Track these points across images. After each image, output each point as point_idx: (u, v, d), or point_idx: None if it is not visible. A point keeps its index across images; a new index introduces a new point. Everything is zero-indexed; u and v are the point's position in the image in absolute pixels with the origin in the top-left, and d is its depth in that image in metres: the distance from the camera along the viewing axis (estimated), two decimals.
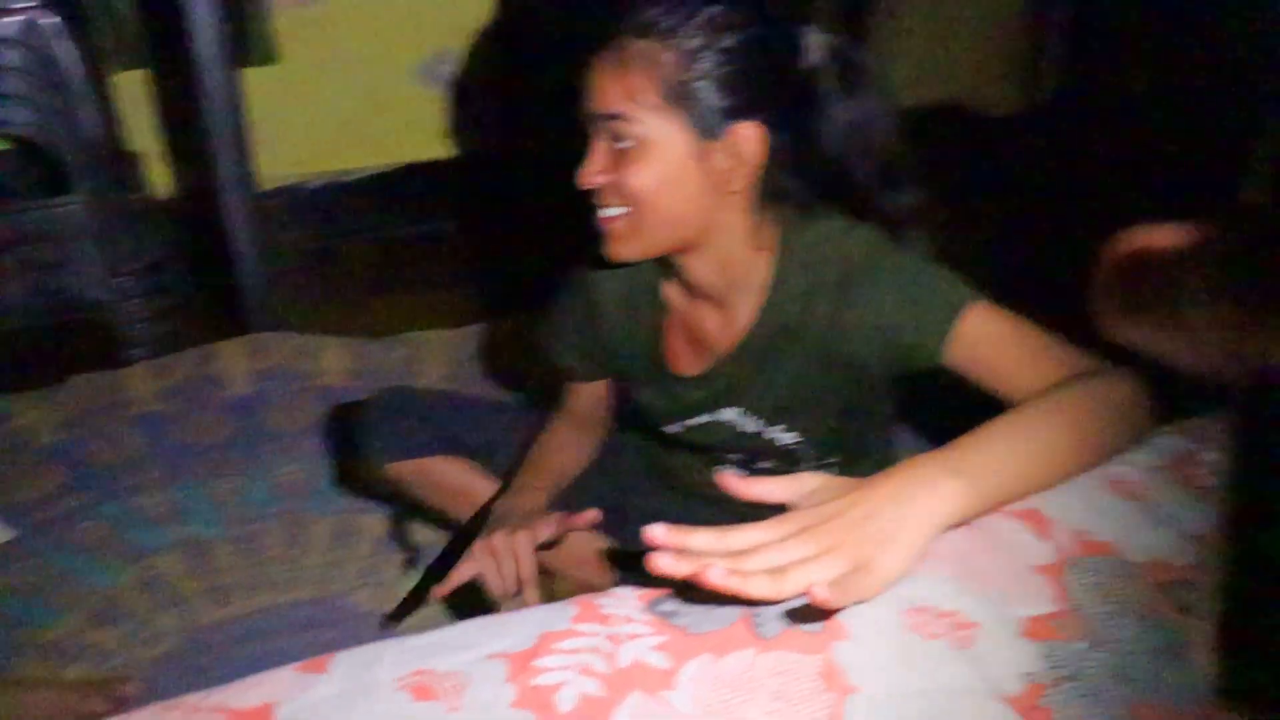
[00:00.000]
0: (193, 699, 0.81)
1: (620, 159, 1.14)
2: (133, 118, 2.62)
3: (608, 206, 1.18)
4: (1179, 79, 2.98)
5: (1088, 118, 3.33)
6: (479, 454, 1.58)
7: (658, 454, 1.53)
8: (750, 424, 1.32)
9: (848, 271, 1.18)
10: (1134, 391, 0.99)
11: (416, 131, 3.03)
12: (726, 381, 1.30)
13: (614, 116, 1.13)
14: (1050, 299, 1.10)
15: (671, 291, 1.32)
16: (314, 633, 1.59)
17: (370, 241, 3.02)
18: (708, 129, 1.13)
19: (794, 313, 1.23)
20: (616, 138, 1.14)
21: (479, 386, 2.21)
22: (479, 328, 2.44)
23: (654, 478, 1.56)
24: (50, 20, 2.08)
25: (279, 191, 2.90)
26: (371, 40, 2.87)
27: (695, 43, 1.11)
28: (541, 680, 0.81)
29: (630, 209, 1.17)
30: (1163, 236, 0.61)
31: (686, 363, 1.34)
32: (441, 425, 1.57)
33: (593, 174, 1.17)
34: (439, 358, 2.35)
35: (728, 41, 1.11)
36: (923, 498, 0.85)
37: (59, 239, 2.25)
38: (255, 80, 2.51)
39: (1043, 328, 1.10)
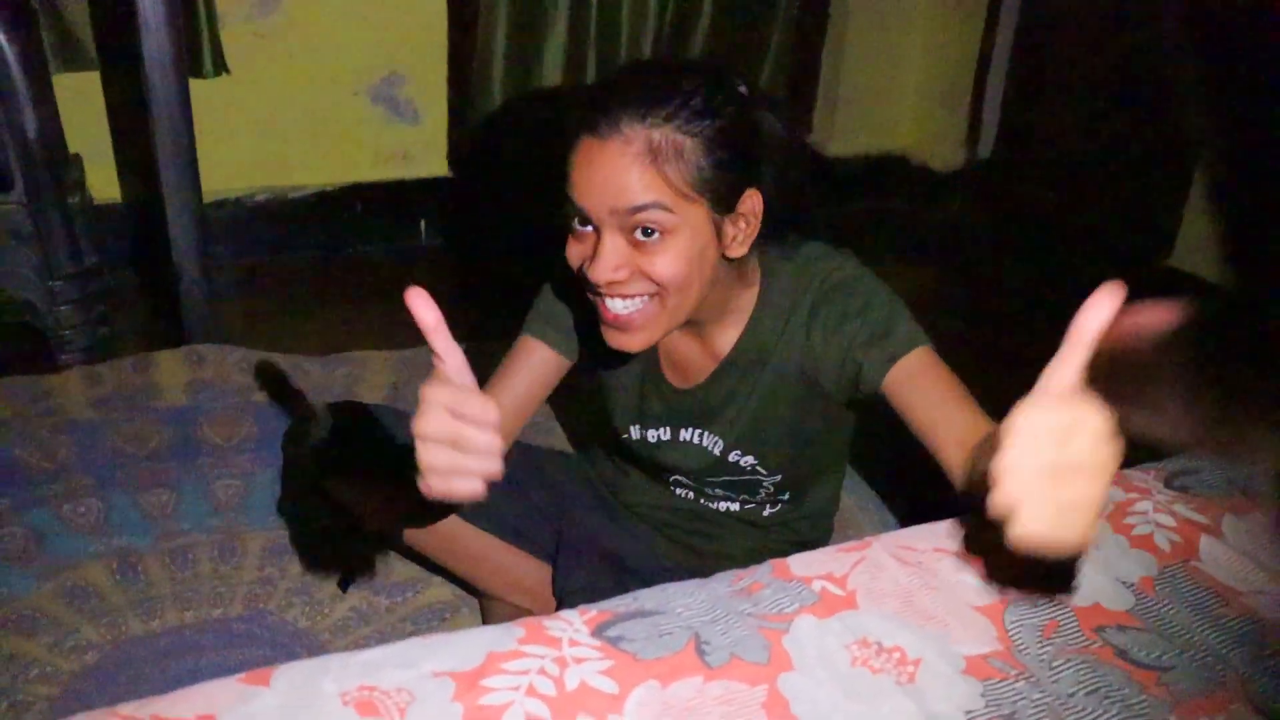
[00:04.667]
0: (127, 708, 0.79)
1: (644, 249, 1.12)
2: (75, 120, 2.58)
3: (626, 298, 1.15)
4: (1113, 142, 3.08)
5: (1025, 175, 3.42)
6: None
7: (604, 472, 1.54)
8: (713, 447, 1.35)
9: (821, 294, 1.23)
10: None
11: (363, 151, 3.03)
12: (698, 405, 1.33)
13: (643, 208, 1.10)
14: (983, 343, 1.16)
15: None
16: (245, 649, 1.56)
17: (313, 258, 3.00)
18: (724, 206, 1.16)
19: (770, 337, 1.27)
20: (639, 228, 1.12)
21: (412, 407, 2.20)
22: (421, 349, 2.43)
23: (593, 501, 1.57)
24: None
25: (223, 204, 2.88)
26: (322, 58, 2.86)
27: (706, 129, 1.11)
28: (488, 700, 0.81)
29: (653, 297, 1.16)
30: (1149, 318, 0.62)
31: (673, 375, 1.36)
32: (385, 442, 1.56)
33: (614, 268, 1.13)
34: (380, 377, 2.33)
35: (723, 122, 1.13)
36: None
37: None
38: (203, 92, 2.49)
39: (965, 387, 1.15)
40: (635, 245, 1.13)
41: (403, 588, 1.73)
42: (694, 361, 1.33)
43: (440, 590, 1.73)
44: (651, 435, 1.39)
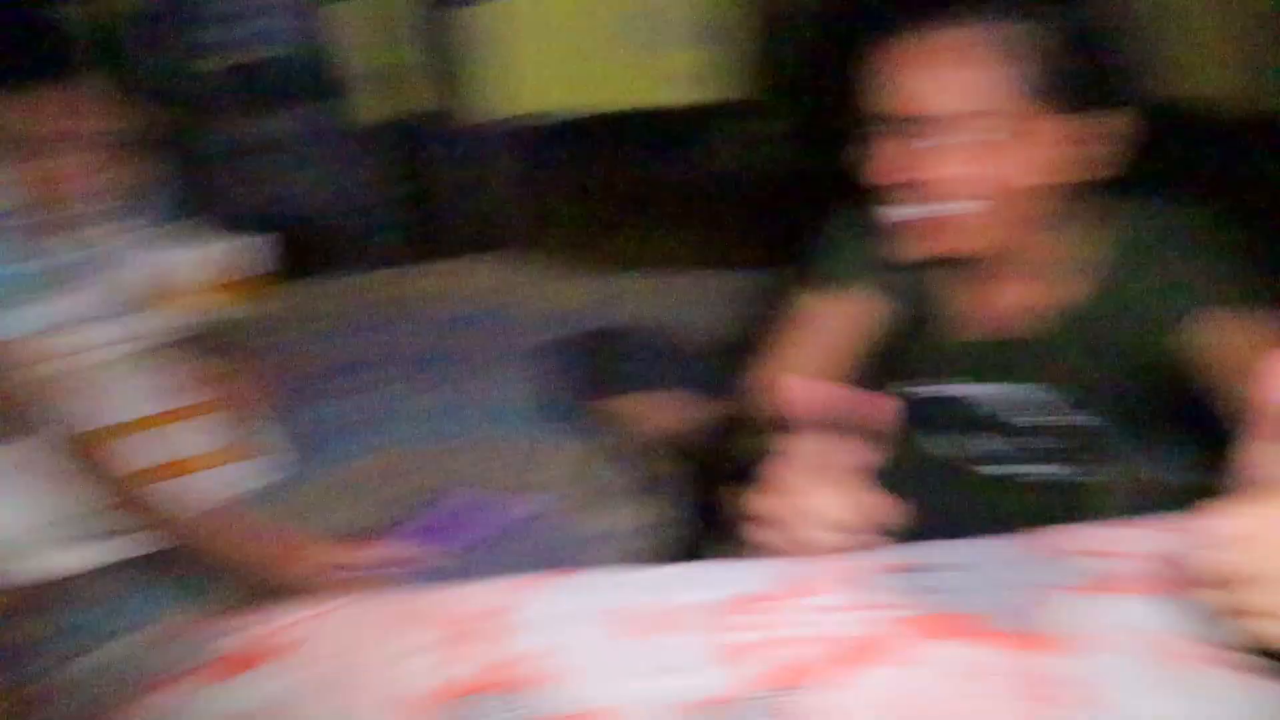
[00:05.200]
0: (433, 594, 0.83)
1: (975, 153, 1.04)
2: (357, 42, 2.67)
3: (952, 201, 1.07)
4: None
5: None
6: (705, 394, 1.58)
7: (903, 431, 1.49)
8: (1035, 399, 1.27)
9: (1158, 240, 1.14)
10: None
11: (659, 74, 3.01)
12: (1018, 356, 1.25)
13: (984, 113, 1.02)
14: None
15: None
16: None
17: (612, 179, 3.02)
18: (1072, 121, 1.05)
19: (1105, 285, 1.18)
20: (973, 132, 1.04)
21: (706, 330, 2.20)
22: (709, 273, 2.42)
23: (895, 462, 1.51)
24: None
25: (522, 121, 2.92)
26: None
27: (1061, 29, 1.03)
28: (771, 634, 0.80)
29: (980, 203, 1.07)
30: None
31: (978, 325, 1.28)
32: (666, 362, 1.58)
33: (943, 172, 1.05)
34: (669, 298, 2.34)
35: (1081, 26, 1.04)
36: None
37: (281, 151, 2.32)
38: (500, 13, 2.53)
39: None
40: (965, 149, 1.04)
41: None
42: (1018, 310, 1.25)
43: None
44: (963, 392, 1.32)
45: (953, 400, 1.31)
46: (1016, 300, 1.24)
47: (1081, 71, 1.05)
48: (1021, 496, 1.35)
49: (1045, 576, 0.86)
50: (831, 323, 1.29)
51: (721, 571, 0.88)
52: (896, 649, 0.78)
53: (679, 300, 2.34)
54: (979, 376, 1.28)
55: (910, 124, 1.06)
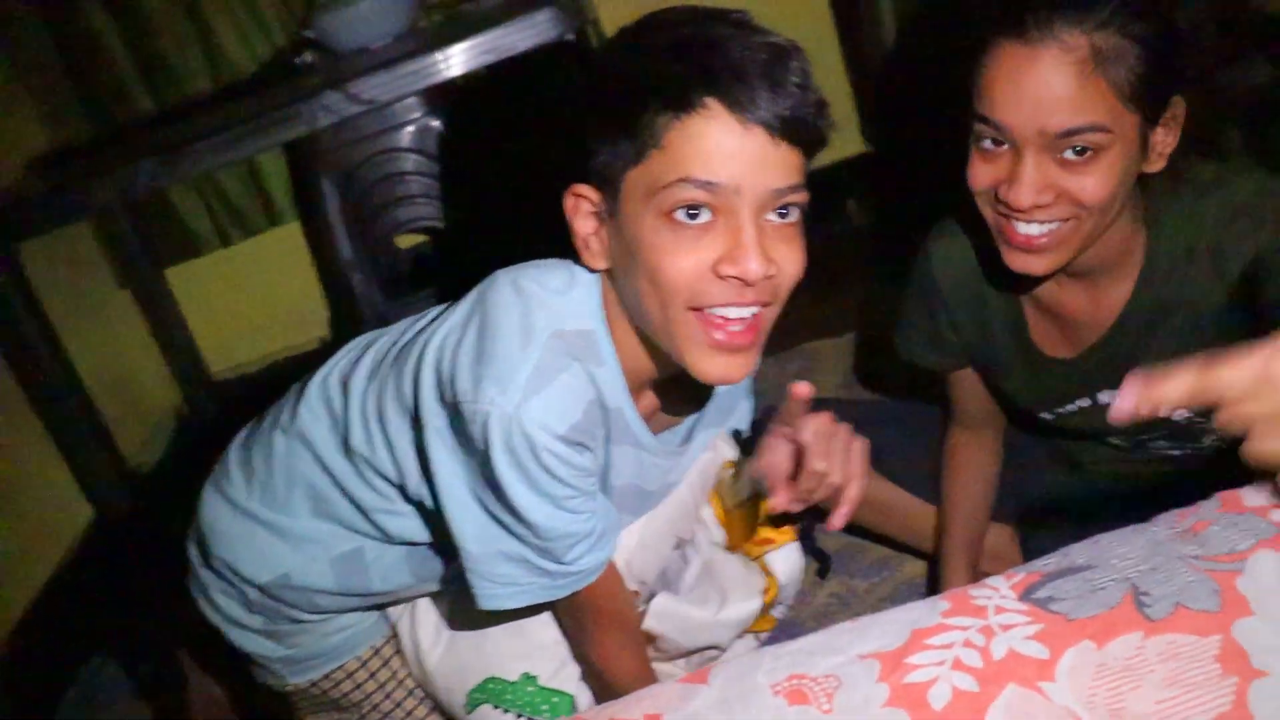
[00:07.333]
0: (588, 715, 0.88)
1: (1071, 169, 1.04)
2: None
3: (1042, 222, 1.08)
4: None
5: None
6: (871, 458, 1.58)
7: (1047, 435, 1.47)
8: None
9: (1222, 225, 1.09)
10: None
11: None
12: (1102, 363, 1.22)
13: (1080, 130, 1.01)
14: None
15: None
16: None
17: None
18: (1154, 115, 1.05)
19: (1170, 283, 1.14)
20: (1070, 149, 1.03)
21: (872, 391, 2.19)
22: (864, 333, 2.41)
23: (1051, 455, 1.48)
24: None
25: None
26: None
27: (1147, 30, 1.01)
28: (913, 678, 0.80)
29: (1070, 219, 1.07)
30: None
31: (1053, 345, 1.26)
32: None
33: (1038, 192, 1.04)
34: (832, 367, 2.34)
35: (1157, 22, 1.03)
36: None
37: None
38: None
39: None
40: (1061, 165, 1.03)
41: (879, 567, 1.73)
42: (1084, 320, 1.21)
43: (917, 566, 1.71)
44: (1065, 410, 1.29)
45: (1059, 419, 1.29)
46: (1082, 310, 1.21)
47: (1162, 70, 1.03)
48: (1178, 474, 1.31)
49: (1192, 549, 0.83)
50: (966, 391, 1.41)
51: (884, 619, 0.88)
52: (1038, 663, 0.77)
53: (861, 361, 2.33)
54: (1090, 390, 1.26)
55: (998, 140, 1.06)
